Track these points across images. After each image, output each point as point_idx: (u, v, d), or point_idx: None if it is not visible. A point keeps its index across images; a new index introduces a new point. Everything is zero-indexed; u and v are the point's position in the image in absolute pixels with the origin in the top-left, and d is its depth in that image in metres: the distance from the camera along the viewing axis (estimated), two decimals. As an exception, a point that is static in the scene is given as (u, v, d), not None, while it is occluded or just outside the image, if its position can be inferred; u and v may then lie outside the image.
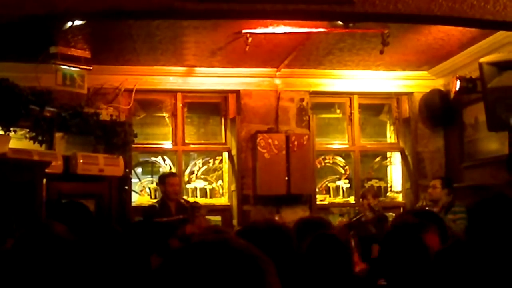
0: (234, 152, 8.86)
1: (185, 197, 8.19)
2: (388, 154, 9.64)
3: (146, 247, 3.33)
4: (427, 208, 7.40)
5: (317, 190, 8.98)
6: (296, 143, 8.53)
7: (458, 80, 7.69)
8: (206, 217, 7.47)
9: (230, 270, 1.32)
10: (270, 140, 8.49)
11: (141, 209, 8.21)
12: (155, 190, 8.73)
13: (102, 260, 3.17)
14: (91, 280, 2.90)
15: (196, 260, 1.34)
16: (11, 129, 6.66)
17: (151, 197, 8.72)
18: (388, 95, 9.31)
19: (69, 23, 6.27)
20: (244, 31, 6.90)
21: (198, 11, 4.98)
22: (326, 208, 8.98)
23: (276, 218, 7.90)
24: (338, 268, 3.02)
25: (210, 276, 1.31)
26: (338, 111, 9.45)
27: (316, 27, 6.81)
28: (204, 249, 1.38)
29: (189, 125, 9.15)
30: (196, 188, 8.84)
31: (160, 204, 7.65)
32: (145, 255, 3.21)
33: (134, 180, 8.85)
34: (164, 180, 7.78)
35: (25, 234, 2.55)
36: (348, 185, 9.15)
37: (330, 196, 9.09)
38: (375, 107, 9.61)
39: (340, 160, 9.41)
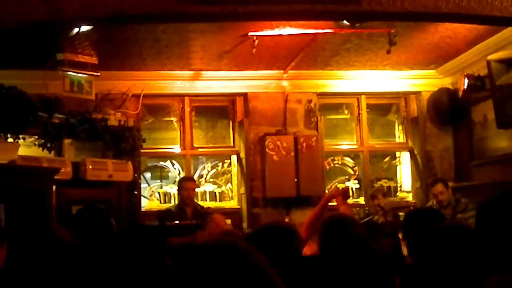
0: (242, 155, 8.85)
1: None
2: (397, 153, 9.61)
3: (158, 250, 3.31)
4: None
5: (326, 191, 8.94)
6: (304, 144, 8.51)
7: (466, 78, 7.66)
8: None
9: (234, 272, 1.32)
10: (278, 142, 8.48)
11: (150, 214, 8.23)
12: (165, 195, 8.74)
13: (109, 264, 3.16)
14: (98, 284, 2.89)
15: (199, 263, 1.35)
16: (20, 136, 6.67)
17: (160, 202, 8.72)
18: (396, 95, 9.28)
19: (76, 30, 6.28)
20: (250, 33, 6.89)
21: (203, 13, 4.97)
22: (335, 209, 8.92)
23: (286, 220, 7.88)
24: (360, 267, 3.00)
25: (213, 278, 1.31)
26: (346, 111, 9.42)
27: (323, 28, 6.80)
28: (207, 252, 1.38)
29: (197, 129, 9.16)
30: (205, 191, 8.83)
31: (177, 208, 7.66)
32: (156, 258, 3.19)
33: (143, 185, 8.87)
34: (180, 184, 7.81)
35: (31, 240, 2.55)
36: (358, 186, 9.12)
37: (340, 197, 9.04)
38: (383, 107, 9.58)
39: (349, 161, 9.38)
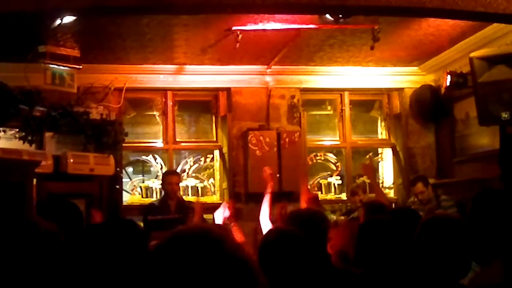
0: (225, 150, 8.83)
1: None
2: (380, 150, 9.62)
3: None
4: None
5: (308, 187, 8.93)
6: (287, 140, 8.51)
7: (449, 75, 7.68)
8: (204, 216, 7.45)
9: (208, 260, 1.31)
10: (261, 138, 8.47)
11: (131, 208, 8.20)
12: (146, 189, 8.69)
13: (93, 256, 3.13)
14: (81, 277, 2.86)
15: (174, 251, 1.34)
16: (1, 129, 6.60)
17: (142, 196, 8.67)
18: (379, 91, 9.30)
19: (58, 22, 6.22)
20: (234, 28, 6.87)
21: (187, 5, 4.94)
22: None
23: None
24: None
25: (187, 265, 1.30)
26: (329, 107, 9.43)
27: (307, 23, 6.79)
28: (182, 240, 1.37)
29: (180, 123, 9.12)
30: (187, 186, 8.80)
31: (160, 202, 7.64)
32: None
33: (125, 179, 8.81)
34: (163, 178, 7.79)
35: (13, 231, 2.50)
36: (340, 182, 9.13)
37: (322, 193, 9.04)
38: (366, 104, 9.60)
39: (331, 156, 9.39)
